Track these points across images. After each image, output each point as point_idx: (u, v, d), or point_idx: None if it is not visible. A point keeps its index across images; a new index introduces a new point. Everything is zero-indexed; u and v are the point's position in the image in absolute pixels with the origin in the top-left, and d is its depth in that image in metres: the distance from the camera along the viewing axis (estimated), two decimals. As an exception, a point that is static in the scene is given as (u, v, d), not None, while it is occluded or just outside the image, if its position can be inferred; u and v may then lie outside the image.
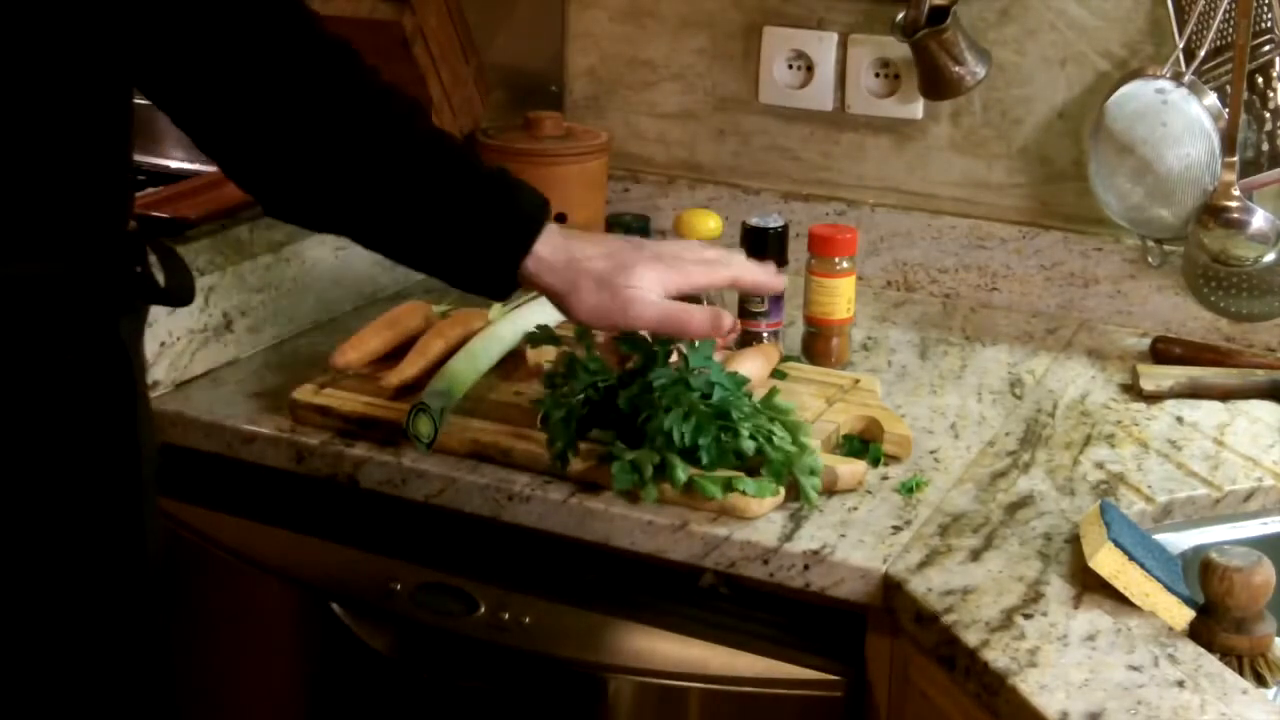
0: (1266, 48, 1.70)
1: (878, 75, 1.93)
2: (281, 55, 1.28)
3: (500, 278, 1.32)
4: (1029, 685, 1.12)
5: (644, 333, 1.39)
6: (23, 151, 1.22)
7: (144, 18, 1.23)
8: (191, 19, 1.25)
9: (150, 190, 1.76)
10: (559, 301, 1.33)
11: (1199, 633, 1.21)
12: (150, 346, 1.57)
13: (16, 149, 1.21)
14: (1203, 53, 1.72)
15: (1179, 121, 1.72)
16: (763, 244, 1.69)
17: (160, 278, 1.37)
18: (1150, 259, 1.82)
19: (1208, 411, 1.61)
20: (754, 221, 1.70)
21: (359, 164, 1.30)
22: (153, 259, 1.37)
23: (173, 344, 1.60)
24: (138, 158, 2.43)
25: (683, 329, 1.33)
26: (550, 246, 1.31)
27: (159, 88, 1.29)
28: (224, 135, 1.30)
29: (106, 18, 1.23)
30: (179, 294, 1.41)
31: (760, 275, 1.40)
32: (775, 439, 1.37)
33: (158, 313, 1.57)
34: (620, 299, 1.30)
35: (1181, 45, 1.73)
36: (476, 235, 1.31)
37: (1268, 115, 1.72)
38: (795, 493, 1.38)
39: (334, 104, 1.30)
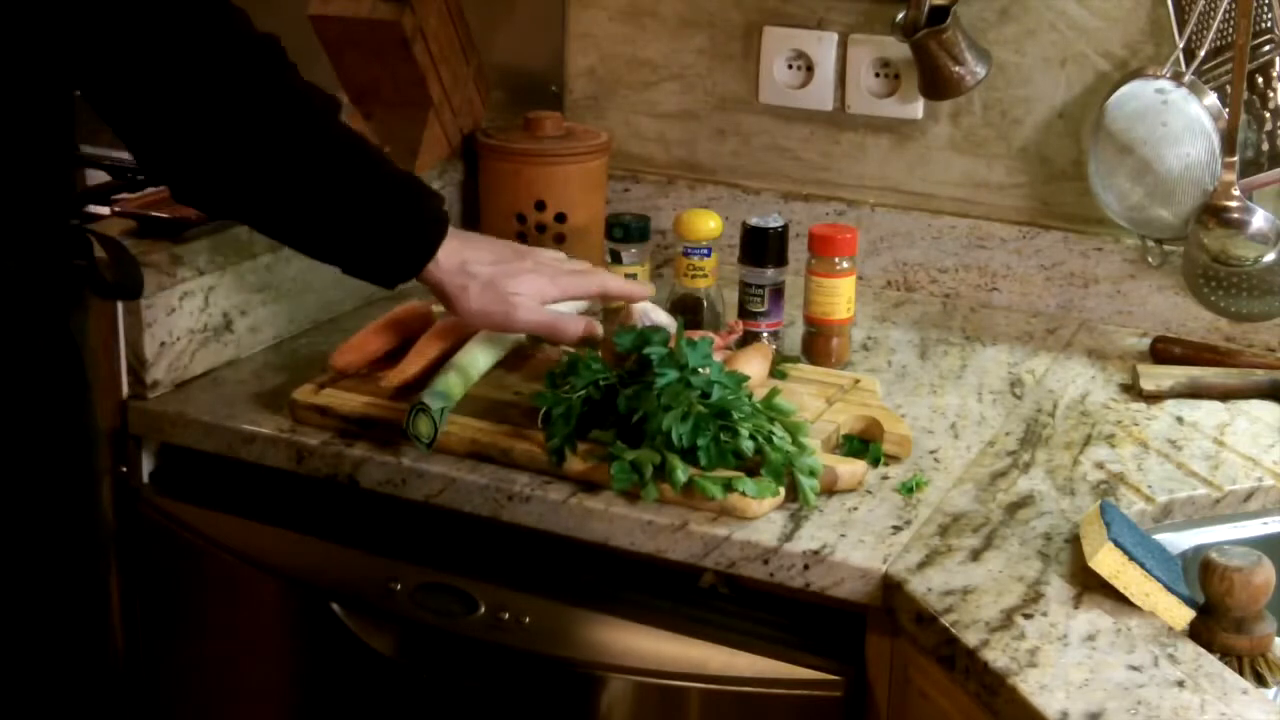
0: (1266, 48, 1.70)
1: (878, 75, 1.93)
2: (204, 47, 1.32)
3: (401, 274, 1.45)
4: (1029, 685, 1.12)
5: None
6: None
7: (72, 10, 1.27)
8: (117, 9, 1.28)
9: (150, 190, 1.76)
10: (447, 300, 1.47)
11: (1199, 633, 1.21)
12: (150, 346, 1.57)
13: None
14: (1203, 53, 1.72)
15: (1179, 121, 1.72)
16: (763, 244, 1.69)
17: (108, 271, 1.39)
18: (1150, 259, 1.82)
19: (1208, 411, 1.61)
20: (754, 221, 1.70)
21: (274, 156, 1.36)
22: (101, 254, 1.38)
23: (173, 344, 1.60)
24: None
25: (560, 336, 1.50)
26: (447, 250, 1.44)
27: (83, 74, 1.32)
28: (144, 121, 1.34)
29: (41, 14, 1.24)
30: (127, 287, 1.45)
31: (627, 285, 1.56)
32: (775, 439, 1.37)
33: (157, 312, 1.58)
34: (506, 304, 1.46)
35: (1181, 45, 1.73)
36: (387, 234, 1.42)
37: (1268, 115, 1.72)
38: (795, 493, 1.38)
39: (253, 97, 1.35)
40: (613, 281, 1.55)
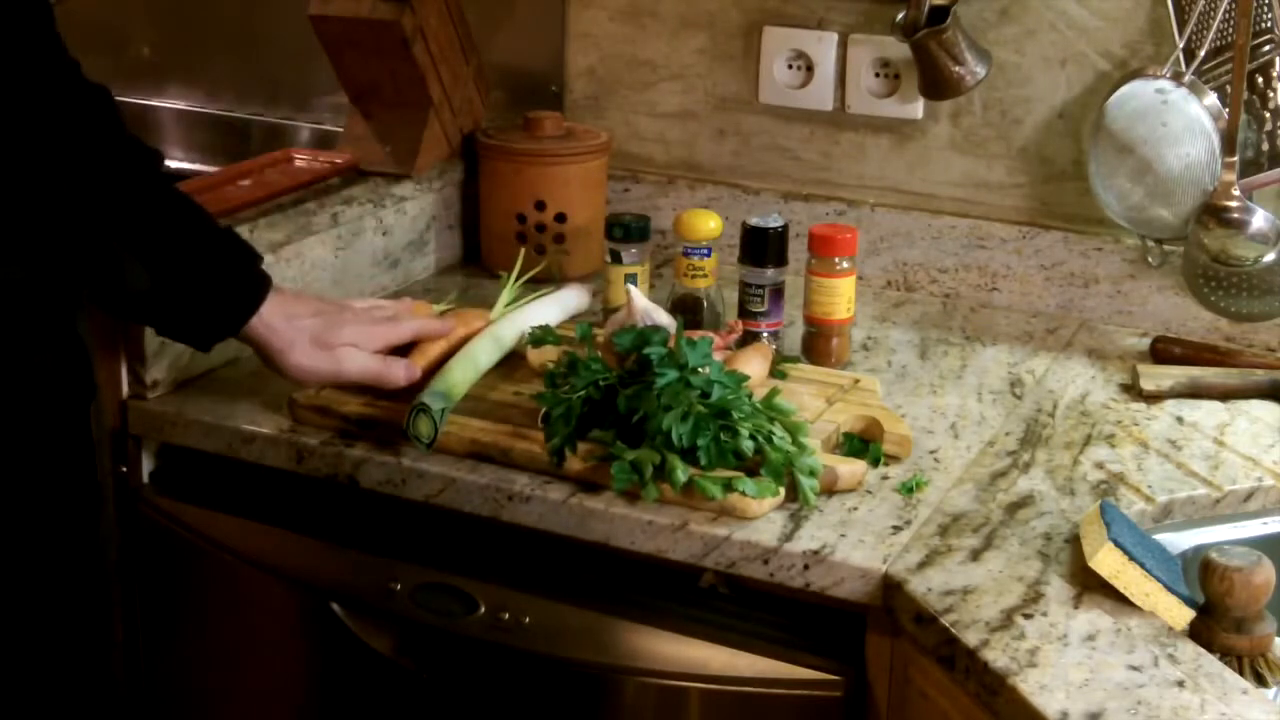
0: (1266, 48, 1.70)
1: (878, 75, 1.93)
2: (29, 98, 1.28)
3: (221, 330, 1.45)
4: (1029, 685, 1.12)
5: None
6: None
7: None
8: None
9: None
10: (274, 357, 1.46)
11: (1199, 633, 1.21)
12: (150, 346, 1.57)
13: None
14: (1203, 53, 1.72)
15: (1179, 121, 1.72)
16: (763, 244, 1.69)
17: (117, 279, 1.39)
18: (1150, 259, 1.82)
19: (1208, 411, 1.61)
20: (754, 221, 1.70)
21: (94, 210, 1.33)
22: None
23: (173, 344, 1.60)
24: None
25: (386, 381, 1.49)
26: (270, 306, 1.44)
27: None
28: None
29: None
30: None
31: (435, 325, 1.56)
32: (775, 439, 1.37)
33: (158, 313, 1.57)
34: (333, 357, 1.46)
35: (1181, 45, 1.73)
36: (210, 292, 1.42)
37: (1268, 115, 1.72)
38: (795, 493, 1.38)
39: (76, 149, 1.32)
40: (425, 325, 1.55)
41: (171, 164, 2.36)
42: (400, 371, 1.50)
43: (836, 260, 1.67)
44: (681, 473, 1.34)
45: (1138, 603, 1.22)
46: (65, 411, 1.34)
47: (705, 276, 1.72)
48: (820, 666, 1.35)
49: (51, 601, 1.36)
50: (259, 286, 1.45)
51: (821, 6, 1.95)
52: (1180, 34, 1.73)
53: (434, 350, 1.57)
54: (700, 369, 1.41)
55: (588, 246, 1.93)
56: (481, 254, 2.00)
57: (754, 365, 1.53)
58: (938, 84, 1.85)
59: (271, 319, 1.44)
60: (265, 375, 1.65)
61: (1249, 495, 1.46)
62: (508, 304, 1.68)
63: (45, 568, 1.34)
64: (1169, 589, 1.22)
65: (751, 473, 1.37)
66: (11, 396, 1.29)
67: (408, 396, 1.48)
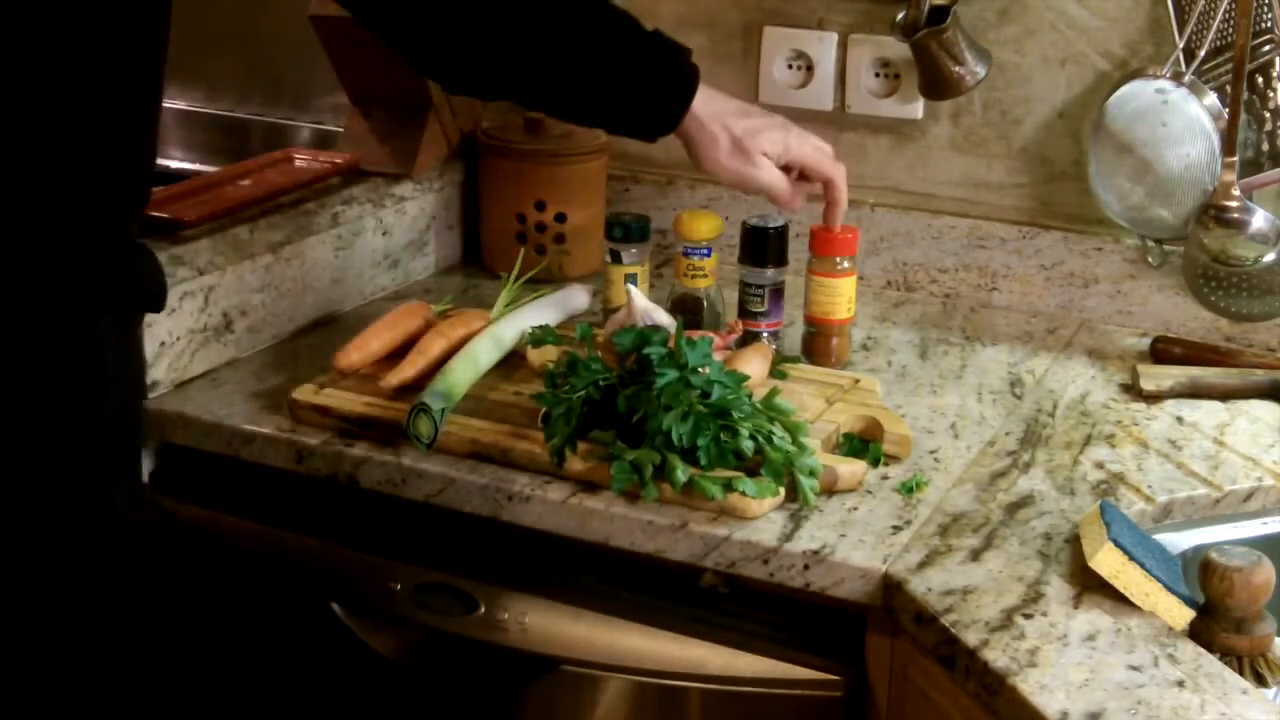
0: (1266, 48, 1.70)
1: (878, 75, 1.93)
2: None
3: (662, 126, 1.53)
4: (1029, 685, 1.12)
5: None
6: (32, 152, 1.23)
7: None
8: None
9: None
10: (696, 151, 1.54)
11: (1199, 633, 1.21)
12: (150, 346, 1.57)
13: (30, 149, 1.22)
14: (1203, 53, 1.72)
15: (1179, 121, 1.72)
16: (763, 244, 1.69)
17: (138, 281, 1.39)
18: (1150, 259, 1.82)
19: (1208, 411, 1.61)
20: (754, 221, 1.70)
21: (538, 29, 1.45)
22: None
23: (173, 344, 1.60)
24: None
25: (782, 201, 1.56)
26: (701, 101, 1.52)
27: None
28: (403, 14, 1.44)
29: None
30: (152, 298, 1.43)
31: (843, 190, 1.59)
32: (775, 439, 1.37)
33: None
34: (752, 161, 1.53)
35: (1181, 45, 1.73)
36: (647, 92, 1.51)
37: (1268, 115, 1.72)
38: (795, 493, 1.38)
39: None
40: (839, 178, 1.59)
41: (171, 164, 2.37)
42: (796, 201, 1.57)
43: (837, 260, 1.67)
44: (681, 473, 1.34)
45: (1138, 603, 1.22)
46: (71, 412, 1.33)
47: (705, 276, 1.72)
48: (820, 666, 1.35)
49: (65, 605, 1.34)
50: (688, 86, 1.52)
51: (821, 6, 1.95)
52: (1180, 34, 1.73)
53: (434, 350, 1.57)
54: (700, 369, 1.41)
55: (588, 246, 1.93)
56: (481, 254, 2.00)
57: (754, 365, 1.53)
58: (938, 84, 1.85)
59: (702, 114, 1.52)
60: (265, 375, 1.65)
61: (1249, 495, 1.46)
62: (508, 304, 1.68)
63: (51, 565, 1.33)
64: (1169, 589, 1.22)
65: (751, 473, 1.37)
66: (15, 396, 1.29)
67: (408, 397, 1.48)
